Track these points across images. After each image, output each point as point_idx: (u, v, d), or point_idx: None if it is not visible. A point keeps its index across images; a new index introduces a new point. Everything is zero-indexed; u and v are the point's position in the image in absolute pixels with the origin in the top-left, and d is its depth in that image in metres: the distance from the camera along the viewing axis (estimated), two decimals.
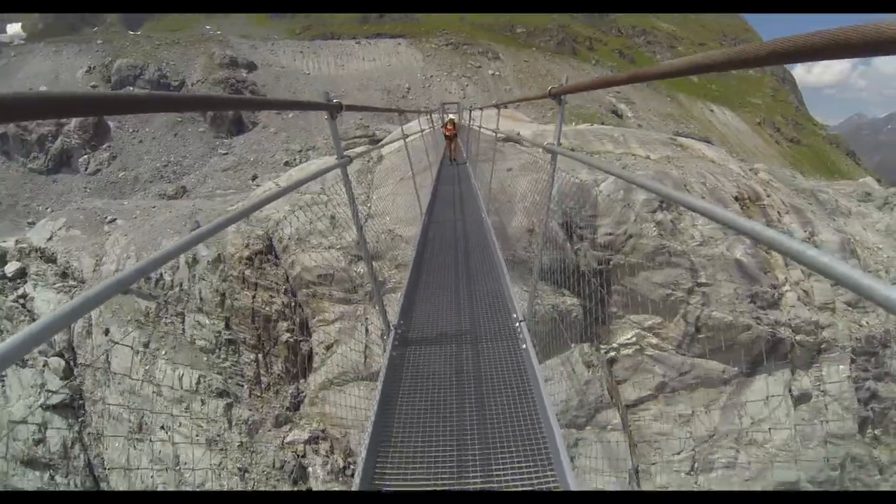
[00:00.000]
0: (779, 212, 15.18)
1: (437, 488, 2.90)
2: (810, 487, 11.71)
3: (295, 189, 2.43)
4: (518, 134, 17.83)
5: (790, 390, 12.46)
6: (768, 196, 15.54)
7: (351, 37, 67.02)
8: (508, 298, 5.22)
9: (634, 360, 12.54)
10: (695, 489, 11.69)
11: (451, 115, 20.93)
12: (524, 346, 4.26)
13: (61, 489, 13.12)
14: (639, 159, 16.37)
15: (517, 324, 4.64)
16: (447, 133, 18.75)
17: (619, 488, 11.14)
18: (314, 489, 11.64)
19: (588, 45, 76.90)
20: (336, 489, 11.38)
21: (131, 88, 47.23)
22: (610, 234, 12.98)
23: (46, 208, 35.01)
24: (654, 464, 11.82)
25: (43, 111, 0.90)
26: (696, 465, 11.89)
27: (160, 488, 12.50)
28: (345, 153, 3.78)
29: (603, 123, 31.06)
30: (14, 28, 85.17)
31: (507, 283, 5.59)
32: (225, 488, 12.01)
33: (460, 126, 21.09)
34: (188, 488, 12.21)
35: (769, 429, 11.95)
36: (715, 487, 11.64)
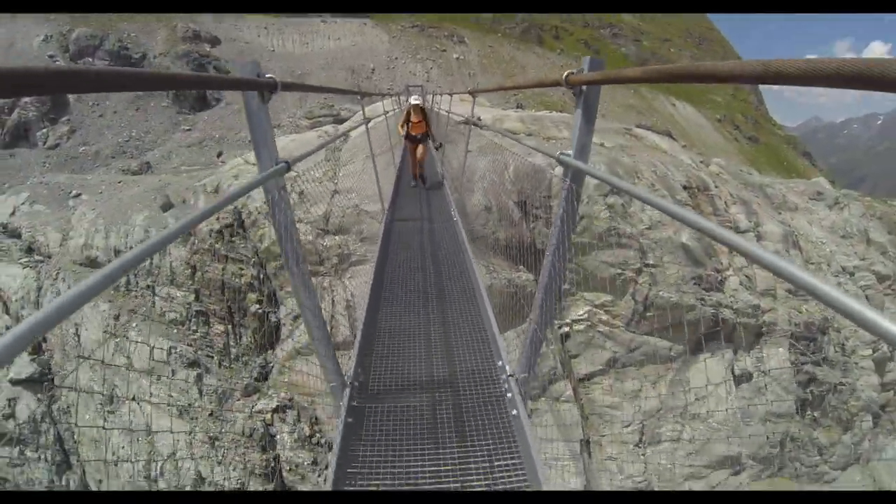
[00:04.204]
0: (726, 202, 16.14)
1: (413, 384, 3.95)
2: (751, 463, 12.58)
3: (324, 148, 3.53)
4: (479, 118, 18.26)
5: (732, 370, 13.36)
6: (717, 187, 16.47)
7: (316, 15, 66.14)
8: (462, 241, 7.06)
9: (587, 335, 13.21)
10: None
11: (414, 100, 11.39)
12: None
13: (31, 464, 13.24)
14: (592, 146, 17.00)
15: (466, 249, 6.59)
16: (413, 132, 10.76)
17: (572, 458, 11.82)
18: (282, 456, 12.07)
19: (554, 34, 77.27)
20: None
21: (90, 60, 45.89)
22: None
23: (3, 183, 33.93)
24: (604, 436, 12.55)
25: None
26: (643, 437, 12.67)
27: (132, 459, 12.75)
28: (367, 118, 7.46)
29: (562, 111, 31.69)
30: None
31: (461, 229, 7.45)
32: (196, 455, 12.33)
33: (430, 115, 11.96)
34: (159, 458, 12.50)
35: (709, 410, 12.66)
36: (662, 460, 12.41)
